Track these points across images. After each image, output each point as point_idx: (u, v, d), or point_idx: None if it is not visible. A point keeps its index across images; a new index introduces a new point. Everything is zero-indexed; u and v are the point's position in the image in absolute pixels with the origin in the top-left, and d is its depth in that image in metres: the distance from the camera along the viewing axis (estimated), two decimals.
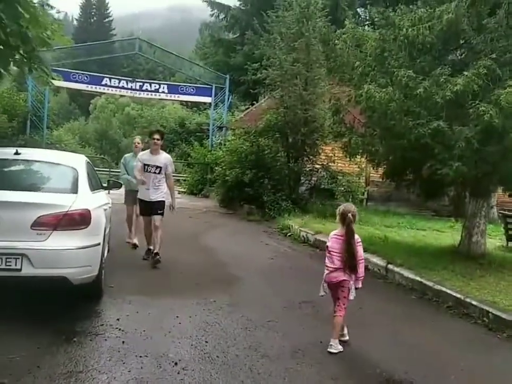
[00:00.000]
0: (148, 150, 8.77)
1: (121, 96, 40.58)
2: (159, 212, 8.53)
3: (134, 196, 9.18)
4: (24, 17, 5.53)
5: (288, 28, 16.61)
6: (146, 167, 8.50)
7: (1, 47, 5.93)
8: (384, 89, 8.51)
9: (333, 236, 5.48)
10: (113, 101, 56.79)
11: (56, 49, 16.85)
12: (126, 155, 10.47)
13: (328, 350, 5.12)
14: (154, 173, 8.49)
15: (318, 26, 14.51)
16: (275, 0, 22.25)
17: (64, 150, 20.02)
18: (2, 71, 6.30)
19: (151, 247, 8.71)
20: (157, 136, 8.61)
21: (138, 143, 10.28)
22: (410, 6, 11.06)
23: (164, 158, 8.69)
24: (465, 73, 7.77)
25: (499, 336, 6.10)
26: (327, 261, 5.48)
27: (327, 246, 5.48)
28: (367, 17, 30.57)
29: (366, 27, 23.59)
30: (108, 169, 24.93)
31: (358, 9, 30.73)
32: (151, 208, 8.53)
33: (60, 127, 42.51)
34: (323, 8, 17.48)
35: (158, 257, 8.34)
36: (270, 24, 19.52)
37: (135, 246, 9.66)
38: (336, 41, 10.15)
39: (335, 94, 11.29)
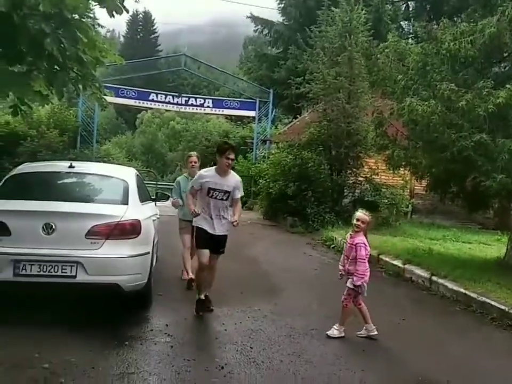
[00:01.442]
0: (213, 169, 6.63)
1: (167, 110, 41.36)
2: (221, 249, 6.68)
3: (191, 226, 7.22)
4: (82, 41, 5.88)
5: (331, 42, 16.85)
6: (211, 191, 6.37)
7: (58, 69, 6.29)
8: (426, 102, 8.60)
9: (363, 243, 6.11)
10: (158, 115, 57.92)
11: (107, 65, 17.48)
12: (179, 178, 8.39)
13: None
14: (222, 199, 6.43)
15: (361, 41, 14.64)
16: (318, 16, 22.49)
17: (112, 163, 20.69)
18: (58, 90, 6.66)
19: (203, 297, 6.55)
20: (231, 154, 6.54)
21: (195, 162, 8.16)
22: (455, 19, 11.17)
23: (233, 180, 6.62)
24: (508, 86, 7.79)
25: None
26: (367, 265, 6.07)
27: (368, 253, 6.12)
28: (411, 31, 30.54)
29: (410, 40, 23.57)
30: (155, 182, 25.46)
31: (401, 23, 30.67)
32: (215, 243, 6.51)
33: (107, 141, 43.65)
34: (366, 22, 17.63)
35: (211, 306, 6.60)
36: (313, 39, 19.82)
37: (191, 282, 7.49)
38: (378, 55, 10.27)
39: (378, 107, 11.38)
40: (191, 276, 7.49)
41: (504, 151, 7.86)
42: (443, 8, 24.85)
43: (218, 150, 6.62)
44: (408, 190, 18.76)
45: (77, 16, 6.12)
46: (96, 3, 6.33)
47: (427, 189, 10.77)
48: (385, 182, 16.88)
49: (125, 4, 6.26)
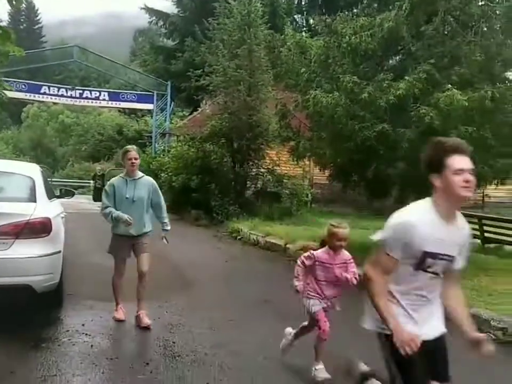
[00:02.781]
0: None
1: (55, 103, 39.64)
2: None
3: (126, 243, 5.95)
4: None
5: (230, 35, 16.86)
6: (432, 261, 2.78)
7: None
8: (330, 95, 8.87)
9: None
10: (45, 108, 55.39)
11: None
12: (114, 180, 6.11)
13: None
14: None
15: (263, 34, 14.82)
16: (214, 8, 22.44)
17: None
18: None
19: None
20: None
21: (136, 159, 6.04)
22: (347, 13, 11.59)
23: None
24: (407, 78, 8.22)
25: None
26: None
27: None
28: (304, 24, 31.38)
29: (304, 33, 24.18)
30: (50, 178, 24.38)
31: (295, 16, 31.38)
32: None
33: None
34: (263, 16, 17.84)
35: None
36: (212, 32, 19.70)
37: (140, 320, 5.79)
38: (281, 48, 10.45)
39: (281, 100, 11.59)
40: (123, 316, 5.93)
41: (404, 140, 8.28)
42: (337, 2, 25.70)
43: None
44: (308, 180, 19.30)
45: None
46: None
47: (330, 179, 11.12)
48: (286, 173, 17.23)
49: None
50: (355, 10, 10.86)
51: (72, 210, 17.16)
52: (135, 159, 6.01)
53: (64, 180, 32.33)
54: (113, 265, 6.03)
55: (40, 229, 5.52)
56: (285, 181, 16.84)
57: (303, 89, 9.93)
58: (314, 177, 18.77)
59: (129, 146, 6.33)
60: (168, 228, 6.29)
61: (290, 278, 8.67)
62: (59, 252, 5.90)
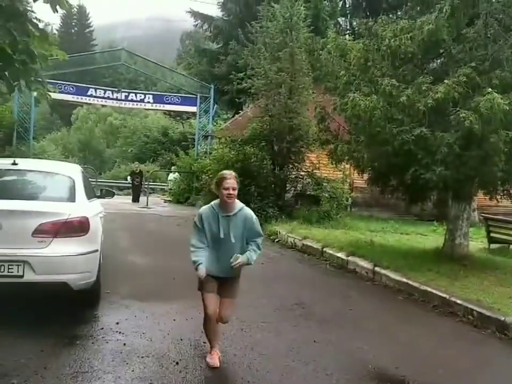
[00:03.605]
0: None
1: (103, 106, 40.60)
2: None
3: (214, 282, 4.94)
4: (33, 35, 5.67)
5: (272, 38, 16.92)
6: None
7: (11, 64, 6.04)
8: (368, 98, 8.81)
9: None
10: (94, 111, 56.72)
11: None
12: (203, 211, 4.91)
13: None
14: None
15: (304, 37, 14.82)
16: (258, 11, 22.57)
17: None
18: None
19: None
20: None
21: (234, 189, 4.71)
22: (391, 16, 11.48)
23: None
24: (446, 81, 8.08)
25: (484, 332, 6.38)
26: None
27: None
28: (348, 27, 31.18)
29: (347, 36, 24.05)
30: (94, 179, 24.93)
31: (338, 19, 31.20)
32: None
33: (42, 138, 42.41)
34: (305, 19, 17.83)
35: None
36: (254, 35, 19.80)
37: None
38: (320, 51, 10.44)
39: (321, 103, 11.56)
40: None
41: (443, 144, 8.15)
42: (380, 5, 25.47)
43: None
44: (348, 184, 19.17)
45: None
46: None
47: (368, 183, 11.03)
48: (326, 176, 17.16)
49: None
50: (399, 13, 10.68)
51: (114, 210, 17.59)
52: (233, 189, 4.68)
53: (110, 181, 33.02)
54: (203, 302, 4.91)
55: (78, 228, 5.68)
56: (324, 184, 16.75)
57: (341, 92, 9.89)
58: (355, 180, 18.60)
59: (226, 172, 4.94)
60: (251, 261, 4.86)
61: (325, 282, 8.76)
62: (96, 250, 6.05)
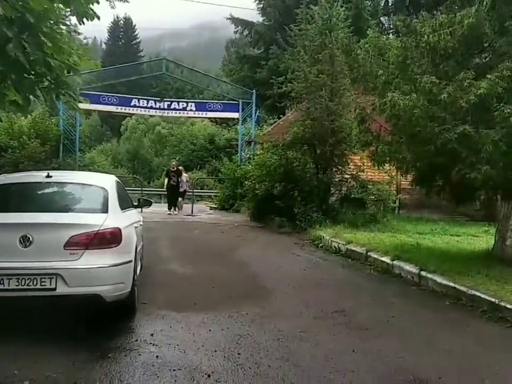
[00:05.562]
0: None
1: (151, 116, 41.25)
2: None
3: None
4: (48, 46, 5.74)
5: (312, 40, 16.76)
6: None
7: (29, 76, 6.14)
8: (408, 96, 8.52)
9: None
10: (143, 121, 57.66)
11: (86, 73, 17.50)
12: None
13: None
14: None
15: (340, 38, 14.58)
16: (297, 14, 22.43)
17: (97, 171, 20.53)
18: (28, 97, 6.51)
19: None
20: None
21: None
22: (434, 12, 11.11)
23: None
24: (489, 76, 7.72)
25: None
26: None
27: None
28: (391, 26, 30.62)
29: (391, 35, 23.59)
30: (140, 188, 25.30)
31: (381, 18, 30.72)
32: None
33: (92, 149, 43.40)
34: (346, 19, 17.61)
35: None
36: (293, 38, 19.67)
37: None
38: (358, 51, 10.19)
39: (360, 103, 11.31)
40: None
41: (487, 142, 7.78)
42: (422, 1, 24.91)
43: None
44: (395, 185, 18.74)
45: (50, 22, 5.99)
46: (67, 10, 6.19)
47: (412, 184, 10.70)
48: (371, 179, 16.84)
49: (102, 10, 6.14)
50: (440, 8, 10.33)
51: (159, 219, 17.78)
52: None
53: (158, 190, 33.39)
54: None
55: (110, 239, 5.68)
56: (369, 186, 16.42)
57: (381, 92, 9.61)
58: (402, 182, 18.16)
59: None
60: None
61: (369, 287, 8.51)
62: (130, 261, 6.04)
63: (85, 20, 5.91)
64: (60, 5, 5.72)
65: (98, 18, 6.20)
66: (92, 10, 6.33)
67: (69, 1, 5.68)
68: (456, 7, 9.87)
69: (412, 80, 8.89)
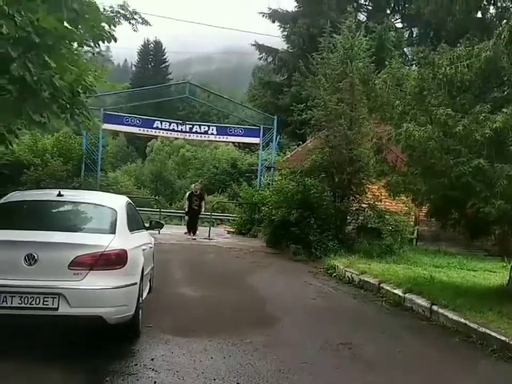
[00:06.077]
0: None
1: (176, 138, 41.65)
2: None
3: None
4: (52, 66, 5.82)
5: (333, 69, 16.85)
6: None
7: (40, 95, 6.24)
8: (423, 128, 8.47)
9: None
10: (168, 143, 58.28)
11: (111, 94, 17.81)
12: None
13: None
14: None
15: (357, 67, 14.63)
16: (320, 43, 22.59)
17: (119, 191, 20.71)
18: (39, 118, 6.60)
19: None
20: None
21: None
22: (455, 45, 11.08)
23: None
24: (505, 110, 7.65)
25: None
26: None
27: None
28: (414, 57, 30.60)
29: (413, 66, 23.56)
30: (159, 210, 25.43)
31: (404, 49, 30.75)
32: None
33: (117, 169, 43.89)
34: (368, 49, 17.65)
35: None
36: (315, 66, 19.80)
37: None
38: (376, 81, 10.20)
39: (377, 133, 11.27)
40: None
41: (502, 176, 7.68)
42: (446, 34, 24.87)
43: None
44: (413, 216, 18.53)
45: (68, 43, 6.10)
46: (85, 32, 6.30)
47: (428, 216, 10.58)
48: (388, 209, 16.67)
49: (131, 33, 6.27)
50: (460, 41, 10.32)
51: (175, 241, 17.78)
52: None
53: (178, 211, 33.51)
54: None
55: (115, 260, 5.67)
56: (387, 216, 16.25)
57: (397, 122, 9.58)
58: (421, 213, 17.94)
59: None
60: None
61: (378, 320, 8.37)
62: (135, 283, 6.02)
63: (104, 42, 6.02)
64: (67, 25, 5.80)
65: (115, 40, 6.32)
66: (109, 33, 6.46)
67: (77, 22, 5.77)
68: (476, 39, 9.85)
69: (428, 112, 8.85)
